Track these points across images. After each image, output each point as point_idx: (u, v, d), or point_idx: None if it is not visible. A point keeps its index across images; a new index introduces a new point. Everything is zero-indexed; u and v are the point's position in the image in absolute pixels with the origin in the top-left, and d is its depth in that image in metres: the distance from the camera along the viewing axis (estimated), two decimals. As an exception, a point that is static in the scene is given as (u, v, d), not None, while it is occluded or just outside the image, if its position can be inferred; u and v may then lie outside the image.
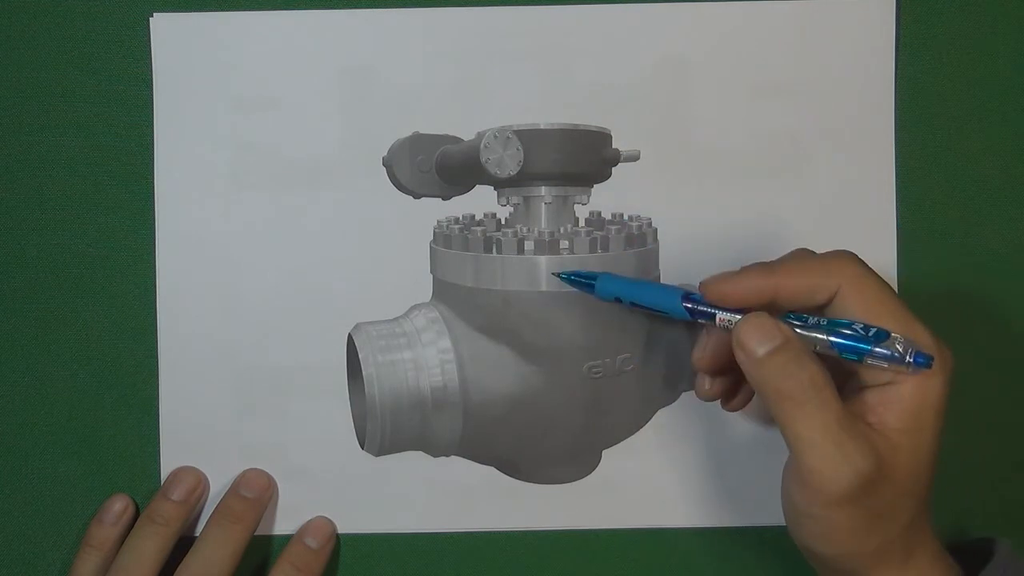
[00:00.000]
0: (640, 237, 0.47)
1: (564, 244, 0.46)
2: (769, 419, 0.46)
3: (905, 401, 0.36)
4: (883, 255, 0.48)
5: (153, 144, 0.48)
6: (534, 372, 0.46)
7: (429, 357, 0.46)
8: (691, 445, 0.48)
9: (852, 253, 0.38)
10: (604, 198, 0.48)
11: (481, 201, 0.48)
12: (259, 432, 0.48)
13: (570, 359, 0.46)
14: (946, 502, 0.48)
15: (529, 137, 0.46)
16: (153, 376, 0.48)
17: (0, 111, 0.48)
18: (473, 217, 0.48)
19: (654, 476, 0.48)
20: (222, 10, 0.48)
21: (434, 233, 0.48)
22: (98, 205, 0.48)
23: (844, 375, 0.38)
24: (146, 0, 0.48)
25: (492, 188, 0.48)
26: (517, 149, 0.46)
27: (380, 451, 0.47)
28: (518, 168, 0.46)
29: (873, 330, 0.36)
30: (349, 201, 0.48)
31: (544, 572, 0.48)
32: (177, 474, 0.47)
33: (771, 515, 0.48)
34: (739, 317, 0.38)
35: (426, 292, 0.48)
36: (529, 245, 0.46)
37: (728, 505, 0.48)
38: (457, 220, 0.48)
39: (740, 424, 0.48)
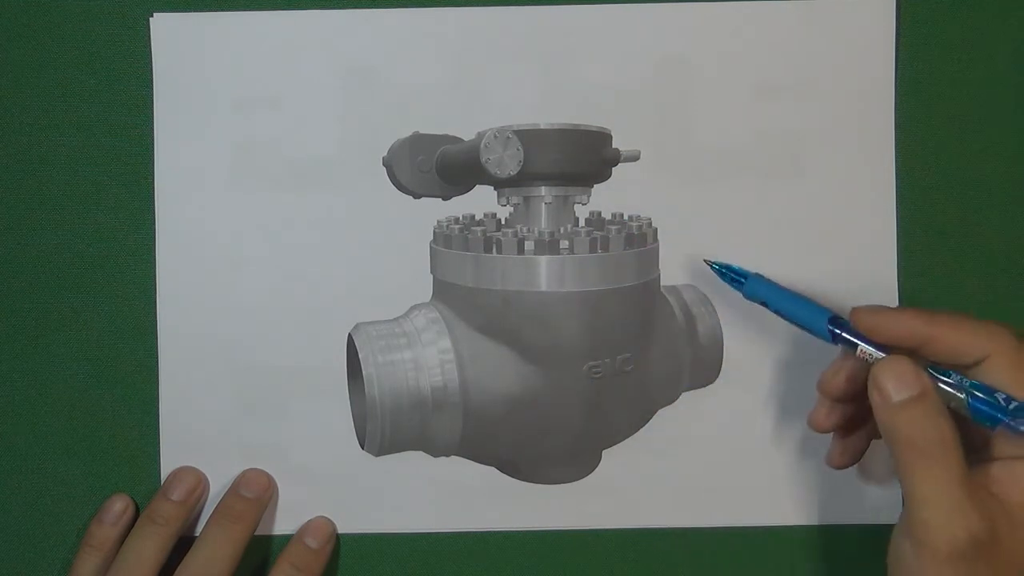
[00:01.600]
0: (640, 237, 0.47)
1: (564, 244, 0.46)
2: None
3: None
4: (883, 255, 0.48)
5: (153, 144, 0.48)
6: (534, 372, 0.46)
7: (429, 357, 0.46)
8: (691, 445, 0.48)
9: (1010, 326, 0.38)
10: (604, 198, 0.48)
11: (481, 201, 0.48)
12: (259, 432, 0.48)
13: (570, 359, 0.46)
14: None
15: (529, 137, 0.46)
16: (153, 376, 0.48)
17: (0, 111, 0.48)
18: (473, 217, 0.48)
19: (654, 476, 0.48)
20: (222, 10, 0.48)
21: (434, 233, 0.48)
22: (98, 205, 0.48)
23: (975, 441, 0.38)
24: (146, 0, 0.48)
25: (492, 188, 0.48)
26: (517, 149, 0.46)
27: (380, 451, 0.47)
28: (518, 168, 0.46)
29: (1014, 403, 0.36)
30: (349, 201, 0.48)
31: (544, 572, 0.48)
32: (177, 474, 0.47)
33: (771, 515, 0.48)
34: (881, 355, 0.38)
35: (426, 292, 0.48)
36: (529, 245, 0.46)
37: (728, 505, 0.48)
38: (457, 220, 0.48)
39: (740, 424, 0.48)
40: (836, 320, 0.40)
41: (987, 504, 0.35)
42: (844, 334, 0.39)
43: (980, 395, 0.36)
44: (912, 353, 0.37)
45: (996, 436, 0.37)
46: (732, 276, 0.44)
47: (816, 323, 0.40)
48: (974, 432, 0.38)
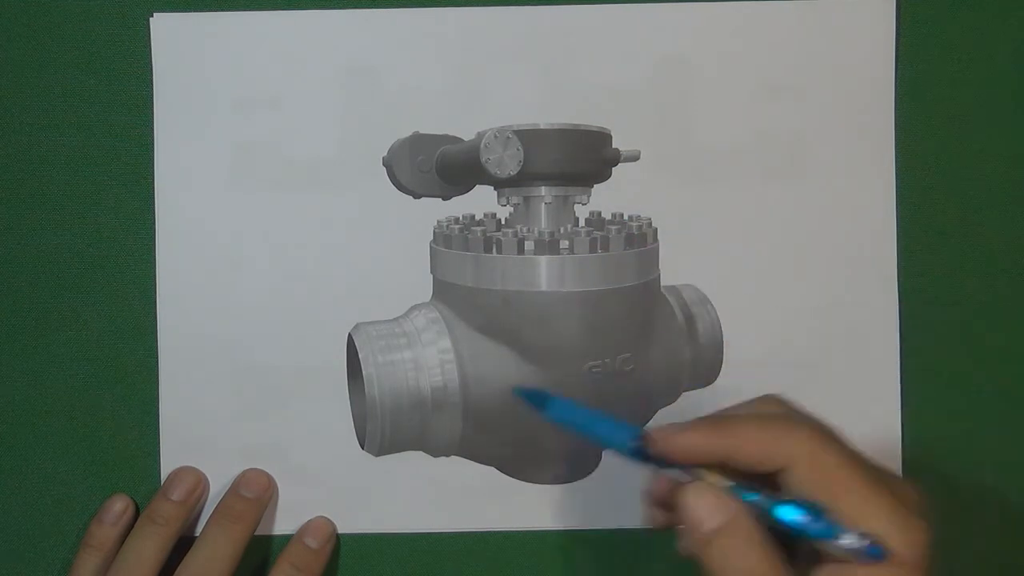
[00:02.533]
0: (640, 237, 0.47)
1: (564, 244, 0.46)
2: None
3: None
4: (883, 255, 0.48)
5: (153, 144, 0.48)
6: (534, 372, 0.46)
7: (429, 357, 0.46)
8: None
9: (813, 421, 0.36)
10: (604, 198, 0.48)
11: (481, 201, 0.48)
12: (259, 432, 0.48)
13: (570, 359, 0.46)
14: (948, 503, 0.48)
15: (529, 137, 0.46)
16: (153, 376, 0.48)
17: (0, 111, 0.48)
18: (473, 217, 0.48)
19: (654, 476, 0.48)
20: (222, 10, 0.48)
21: (434, 233, 0.48)
22: (98, 205, 0.48)
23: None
24: (146, 0, 0.48)
25: (492, 188, 0.48)
26: (517, 149, 0.46)
27: (380, 451, 0.47)
28: (518, 168, 0.46)
29: (821, 521, 0.33)
30: (349, 201, 0.48)
31: (544, 572, 0.48)
32: (177, 474, 0.47)
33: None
34: (686, 478, 0.35)
35: (426, 292, 0.48)
36: (529, 245, 0.46)
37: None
38: (457, 220, 0.48)
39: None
40: (640, 440, 0.36)
41: None
42: (649, 454, 0.36)
43: (788, 512, 0.34)
44: (719, 467, 0.35)
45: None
46: (535, 400, 0.39)
47: (620, 445, 0.37)
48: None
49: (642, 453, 0.36)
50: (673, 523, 0.39)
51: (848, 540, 0.32)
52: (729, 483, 0.35)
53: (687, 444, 0.35)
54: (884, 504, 0.33)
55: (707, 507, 0.34)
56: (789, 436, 0.34)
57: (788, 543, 0.34)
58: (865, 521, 0.33)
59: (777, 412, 0.37)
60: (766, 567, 0.34)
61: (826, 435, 0.35)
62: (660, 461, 0.36)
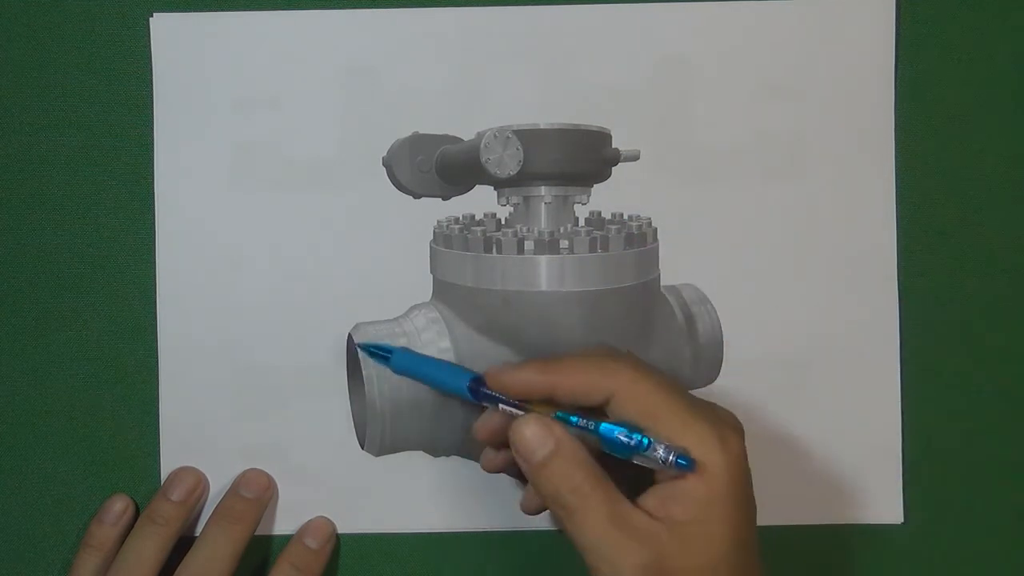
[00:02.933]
0: (640, 237, 0.47)
1: (564, 244, 0.46)
2: None
3: (690, 495, 0.36)
4: (883, 255, 0.48)
5: (153, 144, 0.48)
6: (534, 372, 0.46)
7: (429, 357, 0.46)
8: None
9: (630, 356, 0.39)
10: (604, 198, 0.48)
11: (481, 201, 0.48)
12: (259, 432, 0.48)
13: (570, 359, 0.46)
14: (947, 503, 0.48)
15: (529, 137, 0.46)
16: (153, 376, 0.48)
17: (0, 111, 0.48)
18: (473, 217, 0.48)
19: (654, 476, 0.48)
20: (222, 10, 0.48)
21: (434, 233, 0.48)
22: (98, 205, 0.48)
23: (642, 469, 0.38)
24: (146, 0, 0.48)
25: (492, 188, 0.48)
26: (517, 149, 0.46)
27: (380, 451, 0.47)
28: (518, 168, 0.46)
29: (636, 436, 0.37)
30: (349, 201, 0.48)
31: (544, 572, 0.48)
32: (177, 474, 0.47)
33: (770, 515, 0.48)
34: (519, 413, 0.39)
35: (426, 292, 0.48)
36: (529, 245, 0.46)
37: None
38: (457, 220, 0.48)
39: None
40: (476, 380, 0.41)
41: (647, 530, 0.36)
42: (484, 391, 0.40)
43: (607, 435, 0.37)
44: (549, 403, 0.38)
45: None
46: (380, 353, 0.44)
47: (458, 387, 0.41)
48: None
49: (480, 394, 0.40)
50: (507, 464, 0.43)
51: (659, 452, 0.36)
52: (556, 413, 0.38)
53: (518, 379, 0.39)
54: (697, 424, 0.37)
55: (535, 435, 0.37)
56: (609, 369, 0.38)
57: (620, 473, 0.37)
58: (680, 438, 0.36)
59: (600, 351, 0.40)
60: (592, 484, 0.37)
61: (643, 369, 0.38)
62: (495, 400, 0.40)
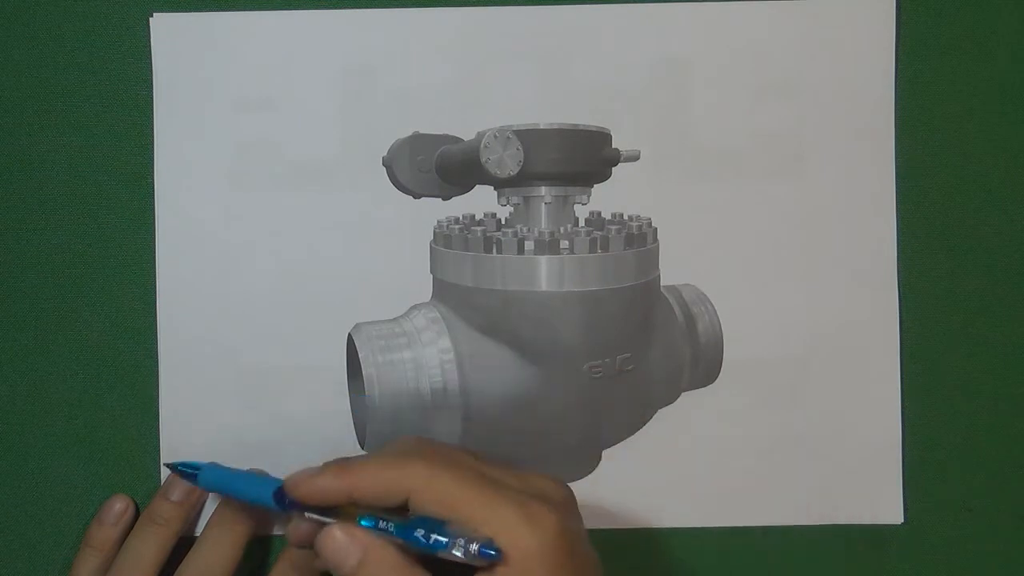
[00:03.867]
0: (640, 237, 0.47)
1: (564, 244, 0.46)
2: None
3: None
4: (883, 255, 0.48)
5: (153, 144, 0.48)
6: (534, 372, 0.46)
7: (429, 357, 0.46)
8: (690, 445, 0.48)
9: (427, 449, 0.38)
10: (604, 198, 0.48)
11: (481, 201, 0.48)
12: (259, 432, 0.48)
13: (570, 359, 0.46)
14: (948, 504, 0.48)
15: (529, 137, 0.46)
16: (153, 376, 0.48)
17: (0, 111, 0.48)
18: (473, 217, 0.48)
19: (654, 476, 0.48)
20: (222, 10, 0.48)
21: (434, 233, 0.48)
22: (98, 205, 0.48)
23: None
24: (146, 0, 0.48)
25: (492, 188, 0.48)
26: (517, 149, 0.46)
27: (380, 451, 0.47)
28: (518, 168, 0.46)
29: (433, 535, 0.35)
30: (349, 201, 0.48)
31: (544, 572, 0.48)
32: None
33: (771, 515, 0.48)
34: (327, 521, 0.38)
35: (426, 292, 0.48)
36: (529, 245, 0.46)
37: (728, 505, 0.48)
38: (457, 220, 0.48)
39: (739, 424, 0.48)
40: (281, 491, 0.39)
41: None
42: (290, 501, 0.39)
43: (410, 532, 0.36)
44: (353, 505, 0.38)
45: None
46: (186, 471, 0.44)
47: (263, 498, 0.39)
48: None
49: (287, 503, 0.39)
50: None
51: (461, 546, 0.35)
52: (358, 517, 0.37)
53: (315, 488, 0.38)
54: (501, 508, 0.36)
55: (341, 546, 0.36)
56: (405, 468, 0.37)
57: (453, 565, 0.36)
58: (485, 526, 0.35)
59: (399, 448, 0.39)
60: None
61: (440, 460, 0.37)
62: (302, 508, 0.38)
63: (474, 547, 0.35)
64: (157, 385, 0.48)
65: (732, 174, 0.48)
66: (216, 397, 0.48)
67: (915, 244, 0.48)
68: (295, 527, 0.40)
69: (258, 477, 0.42)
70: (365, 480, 0.37)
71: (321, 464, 0.39)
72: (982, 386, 0.48)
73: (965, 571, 0.48)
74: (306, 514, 0.38)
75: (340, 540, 0.36)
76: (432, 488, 0.37)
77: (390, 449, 0.39)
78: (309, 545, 0.39)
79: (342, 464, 0.38)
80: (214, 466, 0.43)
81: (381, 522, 0.37)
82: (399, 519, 0.37)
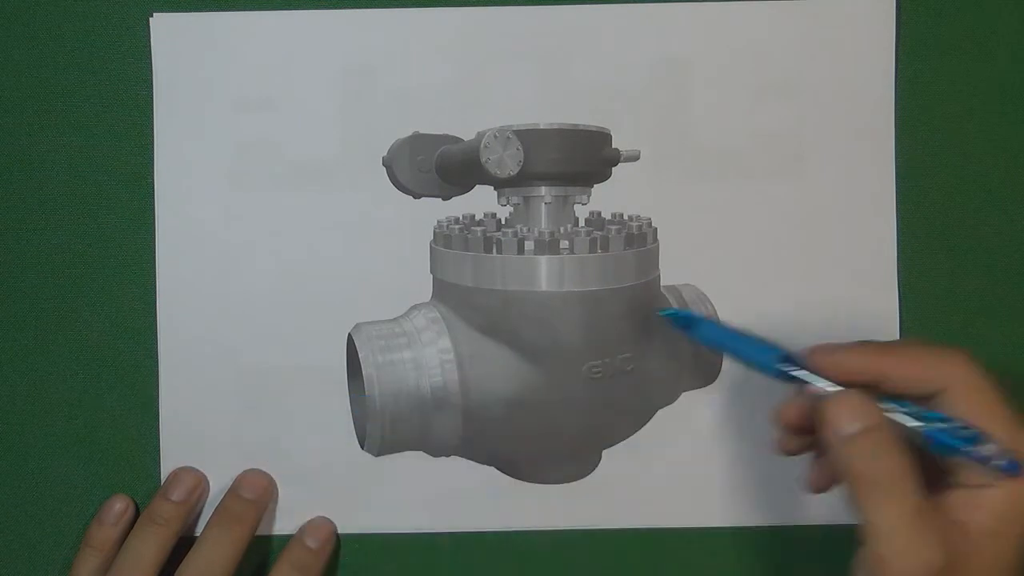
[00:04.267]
0: (640, 237, 0.47)
1: (564, 244, 0.46)
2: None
3: (994, 504, 0.35)
4: (883, 255, 0.48)
5: (153, 144, 0.48)
6: (534, 372, 0.46)
7: (429, 357, 0.46)
8: (691, 445, 0.48)
9: (967, 353, 0.37)
10: (604, 198, 0.48)
11: (481, 201, 0.48)
12: (259, 432, 0.48)
13: (570, 359, 0.46)
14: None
15: (529, 137, 0.46)
16: (153, 376, 0.48)
17: (0, 111, 0.48)
18: (473, 217, 0.48)
19: (654, 476, 0.48)
20: (222, 10, 0.48)
21: (434, 233, 0.48)
22: (98, 205, 0.48)
23: (936, 470, 0.37)
24: (146, 0, 0.48)
25: (492, 188, 0.48)
26: (517, 149, 0.46)
27: (380, 451, 0.47)
28: (518, 168, 0.46)
29: (970, 430, 0.35)
30: (349, 201, 0.48)
31: (544, 572, 0.48)
32: (177, 474, 0.47)
33: (771, 515, 0.48)
34: (832, 390, 0.37)
35: (426, 292, 0.48)
36: (529, 245, 0.46)
37: (728, 505, 0.48)
38: (457, 220, 0.48)
39: (740, 424, 0.48)
40: (786, 358, 0.39)
41: (946, 533, 0.35)
42: (795, 371, 0.38)
43: (935, 425, 0.36)
44: (868, 389, 0.37)
45: (957, 464, 0.36)
46: (682, 322, 0.43)
47: (766, 363, 0.39)
48: (934, 461, 0.37)
49: (784, 373, 0.38)
50: (802, 449, 0.41)
51: (990, 449, 0.35)
52: (879, 396, 0.36)
53: (849, 360, 0.37)
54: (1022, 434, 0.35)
55: (852, 410, 0.36)
56: (947, 361, 0.37)
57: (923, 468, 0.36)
58: (1014, 444, 0.35)
59: (927, 341, 0.39)
60: (902, 470, 0.35)
61: (979, 366, 0.37)
62: (805, 380, 0.38)
63: (1002, 457, 0.35)
64: (157, 385, 0.48)
65: (732, 174, 0.48)
66: (216, 397, 0.48)
67: (915, 244, 0.48)
68: (791, 404, 0.40)
69: (759, 340, 0.41)
70: (903, 364, 0.37)
71: (836, 342, 0.38)
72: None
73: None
74: (813, 384, 0.38)
75: (855, 403, 0.36)
76: (972, 390, 0.36)
77: (911, 341, 0.39)
78: (795, 427, 0.40)
79: (878, 344, 0.38)
80: (712, 322, 0.44)
81: (908, 405, 0.36)
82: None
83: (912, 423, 0.36)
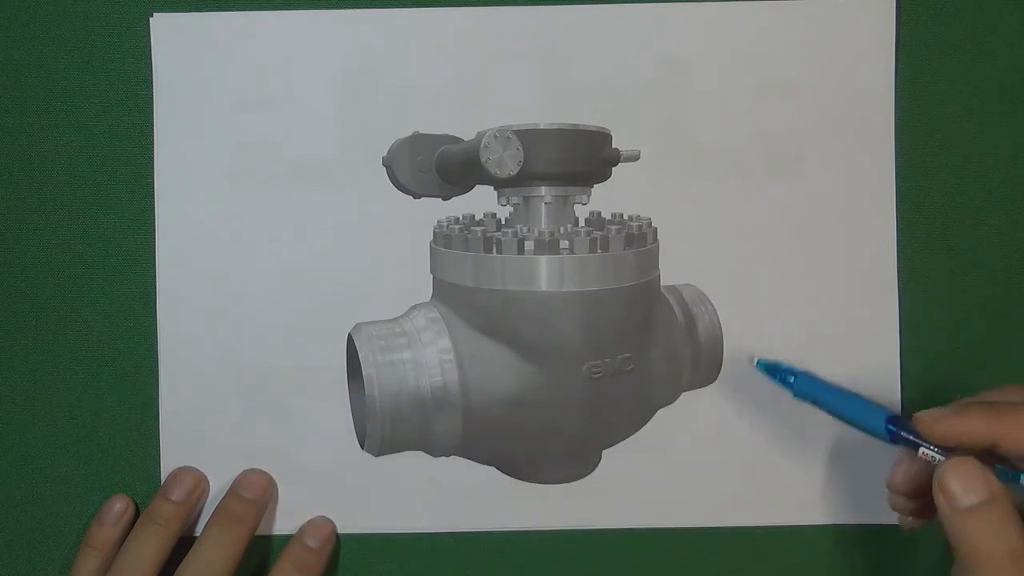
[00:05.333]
0: (640, 237, 0.47)
1: (564, 244, 0.46)
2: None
3: None
4: (883, 255, 0.48)
5: (153, 144, 0.48)
6: (534, 372, 0.46)
7: (429, 357, 0.46)
8: (691, 445, 0.48)
9: None
10: (604, 198, 0.48)
11: (481, 201, 0.48)
12: (259, 432, 0.48)
13: (570, 359, 0.46)
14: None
15: (529, 137, 0.46)
16: (153, 376, 0.48)
17: (0, 111, 0.48)
18: (473, 217, 0.48)
19: (654, 476, 0.48)
20: (222, 10, 0.48)
21: (434, 233, 0.48)
22: (98, 205, 0.48)
23: None
24: (146, 0, 0.48)
25: (492, 188, 0.48)
26: (517, 149, 0.46)
27: (380, 451, 0.47)
28: (518, 168, 0.46)
29: None
30: (349, 201, 0.48)
31: (544, 572, 0.48)
32: (177, 474, 0.47)
33: (771, 515, 0.48)
34: (942, 458, 0.36)
35: (426, 292, 0.48)
36: (529, 245, 0.46)
37: (728, 505, 0.48)
38: (457, 220, 0.48)
39: (740, 424, 0.48)
40: (894, 419, 0.38)
41: None
42: (905, 434, 0.37)
43: None
44: (980, 453, 0.36)
45: None
46: (781, 375, 0.42)
47: (874, 426, 0.38)
48: None
49: (894, 434, 0.37)
50: (915, 512, 0.40)
51: None
52: (995, 465, 0.35)
53: (959, 428, 0.36)
54: None
55: (969, 481, 0.34)
56: None
57: None
58: None
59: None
60: (1021, 549, 0.33)
61: None
62: (915, 443, 0.37)
63: None
64: (157, 385, 0.48)
65: (732, 174, 0.48)
66: (216, 397, 0.48)
67: (915, 244, 0.48)
68: (903, 467, 0.39)
69: (862, 400, 0.40)
70: (1016, 428, 0.35)
71: (946, 406, 0.37)
72: (982, 386, 0.48)
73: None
74: (923, 449, 0.37)
75: (972, 474, 0.34)
76: None
77: (1019, 396, 0.37)
78: (910, 491, 0.38)
79: (991, 409, 0.36)
80: (812, 377, 0.41)
81: (1019, 473, 0.35)
82: None
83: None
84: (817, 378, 0.41)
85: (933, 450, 0.37)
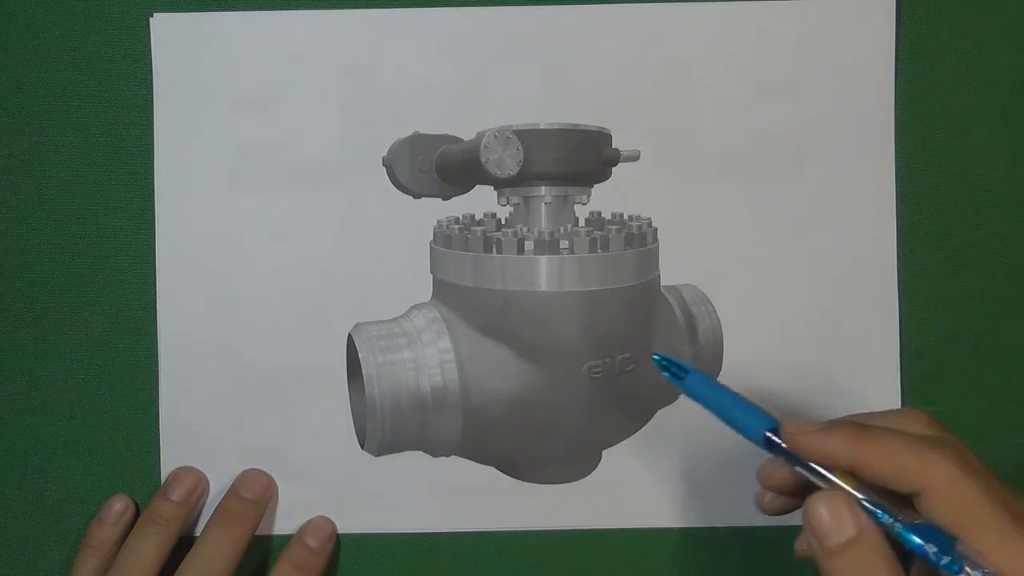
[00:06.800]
0: (640, 237, 0.47)
1: (564, 244, 0.46)
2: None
3: None
4: (883, 255, 0.48)
5: (153, 144, 0.48)
6: (534, 372, 0.46)
7: (429, 357, 0.46)
8: (691, 445, 0.48)
9: (955, 445, 0.34)
10: (604, 198, 0.48)
11: (481, 201, 0.48)
12: (259, 432, 0.48)
13: (570, 359, 0.46)
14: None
15: (529, 137, 0.46)
16: (153, 376, 0.48)
17: (0, 111, 0.48)
18: (473, 217, 0.48)
19: (654, 476, 0.48)
20: (222, 10, 0.48)
21: (434, 233, 0.48)
22: (98, 205, 0.48)
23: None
24: (146, 0, 0.48)
25: (492, 188, 0.48)
26: (517, 149, 0.46)
27: (380, 451, 0.47)
28: (518, 168, 0.46)
29: (950, 554, 0.32)
30: (349, 201, 0.48)
31: (544, 572, 0.48)
32: (177, 474, 0.47)
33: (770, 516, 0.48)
34: (814, 475, 0.35)
35: (426, 292, 0.48)
36: (529, 245, 0.46)
37: (728, 505, 0.48)
38: (457, 220, 0.48)
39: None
40: (775, 430, 0.36)
41: None
42: (783, 448, 0.36)
43: (913, 536, 0.33)
44: (850, 473, 0.34)
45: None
46: (673, 370, 0.39)
47: (753, 433, 0.37)
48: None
49: (775, 446, 0.36)
50: (783, 511, 0.39)
51: (968, 571, 0.32)
52: (860, 496, 0.34)
53: (822, 446, 0.35)
54: (1014, 537, 0.32)
55: (837, 519, 0.33)
56: (929, 460, 0.33)
57: (905, 560, 0.33)
58: (993, 553, 0.32)
59: (921, 432, 0.35)
60: None
61: (967, 464, 0.33)
62: (791, 458, 0.35)
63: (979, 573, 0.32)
64: (157, 385, 0.48)
65: (732, 174, 0.48)
66: (216, 397, 0.48)
67: (915, 244, 0.48)
68: (772, 470, 0.38)
69: (750, 405, 0.38)
70: (879, 457, 0.34)
71: (825, 420, 0.35)
72: (982, 386, 0.48)
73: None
74: (796, 467, 0.35)
75: (840, 513, 0.33)
76: (955, 493, 0.33)
77: (905, 422, 0.36)
78: (779, 491, 0.38)
79: (857, 431, 0.34)
80: (704, 376, 0.39)
81: (886, 515, 0.33)
82: (896, 510, 0.33)
83: (889, 531, 0.33)
84: (710, 379, 0.39)
85: (805, 469, 0.35)
